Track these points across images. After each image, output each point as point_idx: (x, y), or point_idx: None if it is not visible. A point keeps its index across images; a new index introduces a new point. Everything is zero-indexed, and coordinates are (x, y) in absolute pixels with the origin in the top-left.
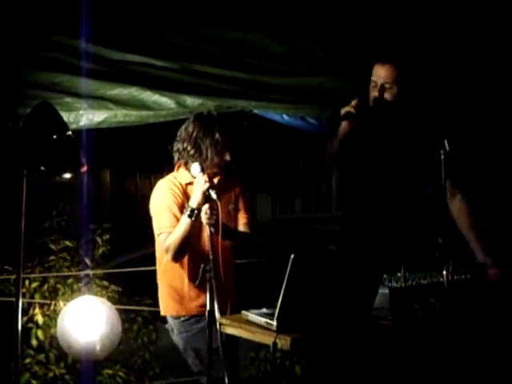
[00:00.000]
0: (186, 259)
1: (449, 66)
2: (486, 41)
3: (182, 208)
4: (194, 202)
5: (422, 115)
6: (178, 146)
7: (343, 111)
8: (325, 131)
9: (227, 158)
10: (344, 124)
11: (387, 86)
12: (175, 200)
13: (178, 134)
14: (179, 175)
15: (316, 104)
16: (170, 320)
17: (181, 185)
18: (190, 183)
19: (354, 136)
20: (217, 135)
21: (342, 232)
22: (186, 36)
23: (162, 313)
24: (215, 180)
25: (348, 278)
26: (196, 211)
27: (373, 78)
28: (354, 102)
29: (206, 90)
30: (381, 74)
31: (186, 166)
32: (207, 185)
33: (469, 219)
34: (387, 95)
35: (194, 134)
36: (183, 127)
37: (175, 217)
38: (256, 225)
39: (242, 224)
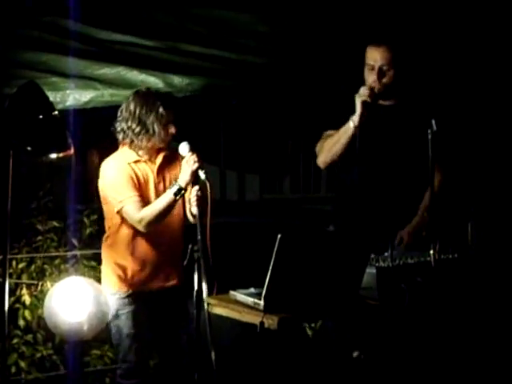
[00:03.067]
0: (131, 234)
1: (438, 47)
2: (478, 26)
3: (134, 180)
4: (182, 181)
5: (413, 96)
6: (121, 125)
7: (360, 103)
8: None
9: (172, 131)
10: (361, 110)
11: (385, 68)
12: (128, 175)
13: (119, 114)
14: (123, 154)
15: (302, 84)
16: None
17: (128, 164)
18: (136, 162)
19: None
20: (160, 109)
21: (334, 213)
22: (174, 15)
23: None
24: (160, 156)
25: (335, 258)
26: (183, 190)
27: (368, 62)
28: (368, 91)
29: (194, 70)
30: (376, 56)
31: (131, 144)
32: (196, 165)
33: (427, 202)
34: (385, 78)
35: (137, 111)
36: (123, 106)
37: (135, 188)
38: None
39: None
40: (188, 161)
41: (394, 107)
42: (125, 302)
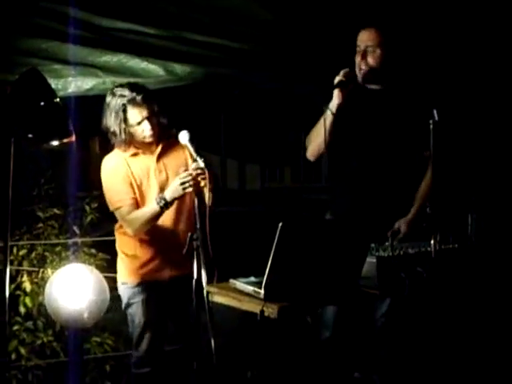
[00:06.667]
0: None
1: (439, 35)
2: (477, 13)
3: (130, 179)
4: (169, 196)
5: (410, 83)
6: (104, 124)
7: (335, 80)
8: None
9: (146, 128)
10: (337, 92)
11: (369, 49)
12: (124, 174)
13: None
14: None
15: (304, 71)
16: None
17: (125, 159)
18: (134, 155)
19: (346, 106)
20: (121, 114)
21: (331, 201)
22: (176, 3)
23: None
24: (158, 148)
25: (336, 247)
26: (169, 204)
27: (357, 44)
28: (343, 71)
29: (195, 58)
30: (363, 38)
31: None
32: (190, 189)
33: (423, 191)
34: (370, 59)
35: (107, 113)
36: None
37: (130, 187)
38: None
39: None
40: (182, 178)
41: (385, 92)
42: (135, 291)
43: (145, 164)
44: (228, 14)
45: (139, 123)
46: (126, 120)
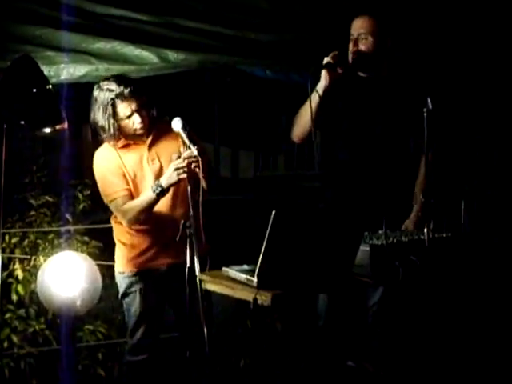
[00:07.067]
0: None
1: (434, 24)
2: (472, 3)
3: (123, 170)
4: (165, 182)
5: (403, 72)
6: (92, 119)
7: (324, 62)
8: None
9: (136, 121)
10: (324, 74)
11: (362, 36)
12: (116, 166)
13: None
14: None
15: (299, 60)
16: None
17: (117, 152)
18: (125, 146)
19: (335, 90)
20: (109, 108)
21: (323, 189)
22: None
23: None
24: (149, 138)
25: (329, 235)
26: (165, 191)
27: (351, 32)
28: (332, 53)
29: (189, 45)
30: (356, 25)
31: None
32: (184, 175)
33: (423, 184)
34: (362, 46)
35: (95, 107)
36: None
37: (123, 179)
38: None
39: None
40: (176, 164)
41: (377, 80)
42: (132, 280)
43: (137, 154)
44: (222, 1)
45: (129, 117)
46: (115, 114)
